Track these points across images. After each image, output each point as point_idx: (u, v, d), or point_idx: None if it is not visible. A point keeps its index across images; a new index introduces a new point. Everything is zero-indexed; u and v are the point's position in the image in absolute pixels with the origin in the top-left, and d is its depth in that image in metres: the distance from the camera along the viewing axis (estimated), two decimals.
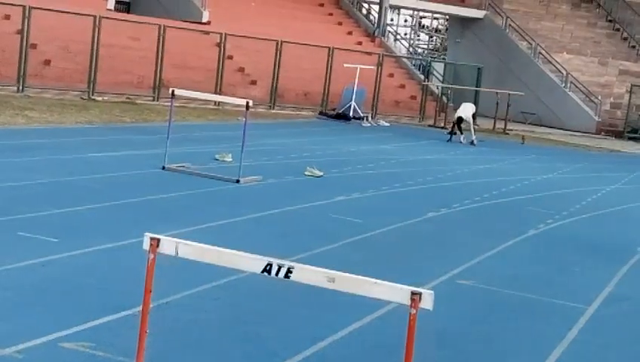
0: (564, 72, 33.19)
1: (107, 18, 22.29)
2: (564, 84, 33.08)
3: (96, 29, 21.35)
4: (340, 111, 24.60)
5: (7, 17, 21.53)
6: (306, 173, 12.63)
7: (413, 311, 3.38)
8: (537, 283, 7.80)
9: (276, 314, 5.95)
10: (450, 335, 5.99)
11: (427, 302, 3.39)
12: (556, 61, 33.70)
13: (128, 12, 28.85)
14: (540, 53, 33.93)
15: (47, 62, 21.53)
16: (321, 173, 12.65)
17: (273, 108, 24.86)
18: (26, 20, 20.40)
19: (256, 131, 16.00)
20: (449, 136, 21.80)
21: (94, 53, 21.33)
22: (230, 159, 12.80)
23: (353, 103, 24.46)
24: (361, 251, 8.29)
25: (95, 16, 21.44)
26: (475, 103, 29.66)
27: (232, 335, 5.45)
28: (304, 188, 11.59)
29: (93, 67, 21.29)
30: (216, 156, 13.02)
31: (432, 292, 3.40)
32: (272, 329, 5.62)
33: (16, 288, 5.80)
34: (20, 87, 20.09)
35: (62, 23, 21.63)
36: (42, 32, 20.83)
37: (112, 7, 25.76)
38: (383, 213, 10.47)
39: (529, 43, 34.30)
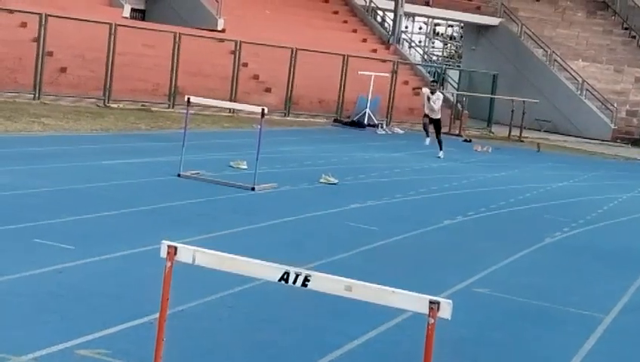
0: (580, 80, 33.07)
1: (123, 26, 22.39)
2: (579, 92, 32.96)
3: (112, 37, 21.44)
4: (355, 119, 24.60)
5: (24, 25, 21.64)
6: (321, 180, 12.61)
7: (432, 321, 3.36)
8: (554, 292, 7.75)
9: (291, 322, 5.93)
10: (467, 343, 5.95)
11: (445, 311, 3.36)
12: (572, 68, 33.59)
13: (143, 20, 28.94)
14: (556, 60, 33.82)
15: (63, 70, 21.63)
16: (336, 181, 12.63)
17: (288, 116, 24.88)
18: (43, 28, 20.51)
19: (271, 138, 16.01)
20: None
21: (110, 60, 21.42)
22: (245, 166, 12.80)
23: (368, 111, 24.46)
24: (376, 259, 8.26)
25: (111, 24, 21.54)
26: (490, 111, 29.68)
27: (248, 343, 5.43)
28: (319, 196, 11.57)
29: (108, 75, 21.38)
30: (231, 163, 13.02)
31: (450, 301, 3.37)
32: (287, 338, 5.60)
33: (33, 295, 5.81)
34: (37, 95, 20.19)
35: (78, 31, 21.73)
36: (58, 39, 20.93)
37: (128, 15, 25.86)
38: (399, 220, 10.44)
39: (544, 50, 34.21)
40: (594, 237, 11.02)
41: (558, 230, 10.97)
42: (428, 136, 18.89)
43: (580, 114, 32.46)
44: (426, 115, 18.79)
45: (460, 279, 7.66)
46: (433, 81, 19.75)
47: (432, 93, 18.69)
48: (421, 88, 19.81)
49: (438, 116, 18.75)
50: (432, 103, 18.54)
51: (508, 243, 9.74)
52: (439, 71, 32.86)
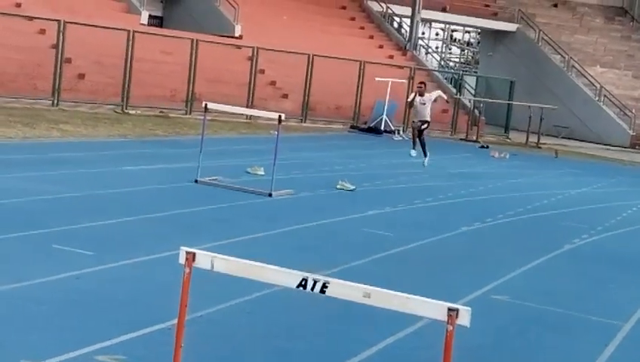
0: (598, 86, 32.92)
1: (140, 32, 22.50)
2: (597, 98, 32.81)
3: (130, 44, 21.54)
4: (372, 125, 24.59)
5: (43, 32, 21.79)
6: (338, 186, 12.61)
7: (450, 328, 3.34)
8: (573, 299, 7.70)
9: (309, 328, 5.93)
10: (485, 350, 5.92)
11: (464, 318, 3.35)
12: (589, 74, 33.44)
13: (161, 26, 29.07)
14: (573, 66, 33.70)
15: (82, 76, 21.75)
16: (353, 187, 12.63)
17: (305, 122, 24.90)
18: (61, 35, 20.64)
19: (288, 144, 16.02)
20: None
21: (128, 67, 21.52)
22: (262, 172, 12.82)
23: (384, 117, 24.44)
24: (393, 266, 8.25)
25: (129, 31, 21.64)
26: (508, 117, 29.60)
27: (265, 349, 5.43)
28: (336, 202, 11.56)
29: (126, 81, 21.49)
30: (249, 169, 13.04)
31: (469, 308, 3.36)
32: (304, 344, 5.60)
33: (51, 301, 5.83)
34: (55, 101, 20.31)
35: (96, 38, 21.85)
36: (77, 46, 21.05)
37: (146, 22, 25.99)
38: (416, 227, 10.42)
39: (562, 56, 34.09)
40: (613, 244, 10.95)
41: (577, 237, 10.91)
42: (414, 147, 17.18)
43: (598, 120, 32.30)
44: (414, 122, 17.33)
45: (477, 286, 7.63)
46: (421, 83, 18.09)
47: (421, 95, 17.04)
48: (413, 98, 17.15)
49: (428, 119, 17.09)
50: (421, 106, 16.86)
51: (526, 250, 9.70)
52: (456, 77, 32.79)
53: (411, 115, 17.89)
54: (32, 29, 21.85)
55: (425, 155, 16.84)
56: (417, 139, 17.05)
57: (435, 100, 17.30)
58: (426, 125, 17.13)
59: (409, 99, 18.08)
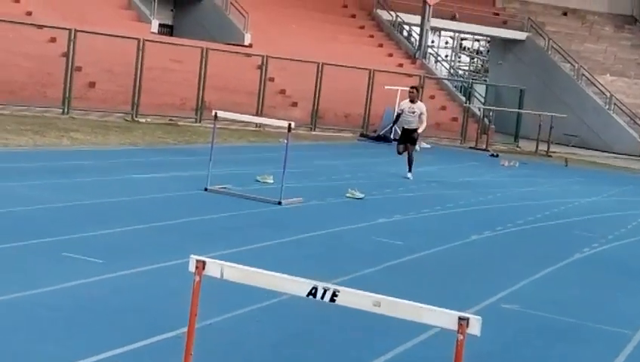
0: (608, 94, 32.86)
1: (151, 41, 22.58)
2: (607, 106, 32.74)
3: (140, 52, 21.62)
4: (381, 133, 24.59)
5: (53, 40, 21.90)
6: (347, 195, 12.60)
7: (461, 337, 3.33)
8: (583, 308, 7.67)
9: (318, 337, 5.92)
10: (494, 360, 5.90)
11: (474, 327, 3.34)
12: (599, 83, 33.38)
13: (171, 35, 29.17)
14: (583, 75, 33.65)
15: (92, 85, 21.83)
16: (362, 195, 12.62)
17: (314, 130, 24.92)
18: (72, 43, 20.73)
19: (297, 153, 16.03)
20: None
21: (138, 75, 21.59)
22: (272, 181, 12.83)
23: (394, 125, 24.42)
24: (402, 274, 8.23)
25: (139, 40, 21.73)
26: (517, 125, 29.57)
27: (275, 357, 5.42)
28: (345, 210, 11.56)
29: (136, 89, 21.56)
30: (258, 178, 13.05)
31: (479, 317, 3.35)
32: (314, 353, 5.59)
33: (61, 308, 5.84)
34: (65, 109, 20.39)
35: (106, 46, 21.95)
36: (87, 55, 21.14)
37: (156, 30, 26.09)
38: (425, 235, 10.40)
39: (572, 65, 34.05)
40: (623, 253, 10.91)
41: (587, 246, 10.87)
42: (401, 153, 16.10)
43: (608, 129, 32.23)
44: (403, 130, 16.18)
45: (487, 295, 7.60)
46: (413, 87, 16.79)
47: (412, 101, 15.98)
48: (399, 115, 16.19)
49: (416, 127, 15.87)
50: (411, 114, 15.83)
51: (536, 259, 9.67)
52: (465, 85, 32.78)
53: (399, 123, 16.65)
54: (42, 37, 21.96)
55: (409, 170, 15.70)
56: (408, 154, 15.81)
57: (420, 116, 15.85)
58: (415, 134, 15.87)
59: (397, 112, 16.72)
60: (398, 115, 16.45)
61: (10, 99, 19.66)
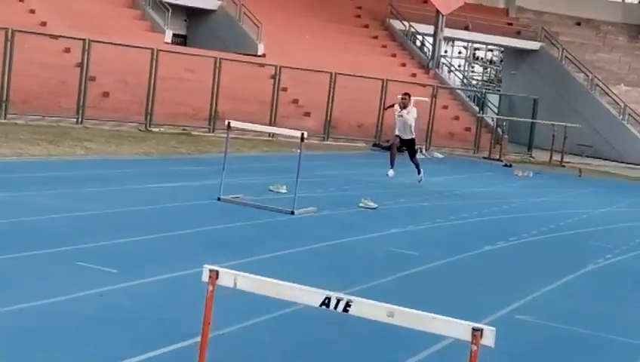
0: (622, 104, 32.74)
1: (164, 51, 22.67)
2: (621, 117, 32.63)
3: (154, 62, 21.71)
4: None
5: (68, 50, 22.01)
6: (360, 204, 12.59)
7: (475, 348, 3.32)
8: (598, 320, 7.63)
9: (332, 347, 5.91)
10: None
11: (488, 338, 3.33)
12: (613, 93, 33.28)
13: (185, 45, 29.28)
14: (597, 85, 33.55)
15: (106, 95, 21.93)
16: (375, 205, 12.61)
17: (327, 140, 24.94)
18: (86, 53, 20.84)
19: (310, 162, 16.03)
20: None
21: (151, 85, 21.68)
22: (284, 190, 12.83)
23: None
24: (416, 284, 8.21)
25: (153, 50, 21.82)
26: (531, 135, 29.49)
27: None
28: (358, 220, 11.54)
29: (150, 99, 21.64)
30: (271, 187, 13.06)
31: (493, 328, 3.34)
32: None
33: (75, 318, 5.85)
34: (79, 119, 20.48)
35: (120, 56, 22.05)
36: (101, 65, 21.25)
37: (170, 41, 26.20)
38: (439, 245, 10.37)
39: (586, 75, 33.96)
40: (637, 264, 10.85)
41: (601, 256, 10.82)
42: (392, 166, 16.40)
43: (622, 139, 32.10)
44: (397, 136, 16.55)
45: (501, 306, 7.57)
46: (405, 94, 17.01)
47: (404, 107, 16.36)
48: (393, 105, 16.59)
49: (412, 136, 16.46)
50: (403, 119, 16.30)
51: (550, 270, 9.63)
52: (479, 95, 32.76)
53: (397, 129, 16.80)
54: (57, 47, 22.08)
55: (419, 172, 16.32)
56: (411, 160, 16.43)
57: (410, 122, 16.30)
58: (408, 143, 16.30)
59: (395, 111, 16.83)
60: (400, 115, 16.64)
61: (24, 109, 19.77)
